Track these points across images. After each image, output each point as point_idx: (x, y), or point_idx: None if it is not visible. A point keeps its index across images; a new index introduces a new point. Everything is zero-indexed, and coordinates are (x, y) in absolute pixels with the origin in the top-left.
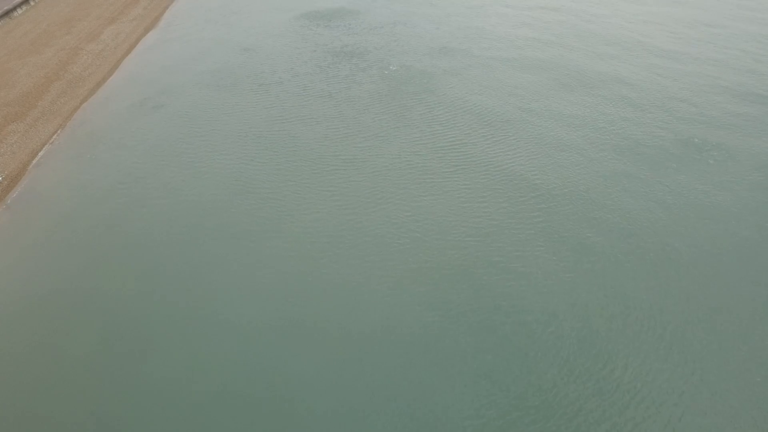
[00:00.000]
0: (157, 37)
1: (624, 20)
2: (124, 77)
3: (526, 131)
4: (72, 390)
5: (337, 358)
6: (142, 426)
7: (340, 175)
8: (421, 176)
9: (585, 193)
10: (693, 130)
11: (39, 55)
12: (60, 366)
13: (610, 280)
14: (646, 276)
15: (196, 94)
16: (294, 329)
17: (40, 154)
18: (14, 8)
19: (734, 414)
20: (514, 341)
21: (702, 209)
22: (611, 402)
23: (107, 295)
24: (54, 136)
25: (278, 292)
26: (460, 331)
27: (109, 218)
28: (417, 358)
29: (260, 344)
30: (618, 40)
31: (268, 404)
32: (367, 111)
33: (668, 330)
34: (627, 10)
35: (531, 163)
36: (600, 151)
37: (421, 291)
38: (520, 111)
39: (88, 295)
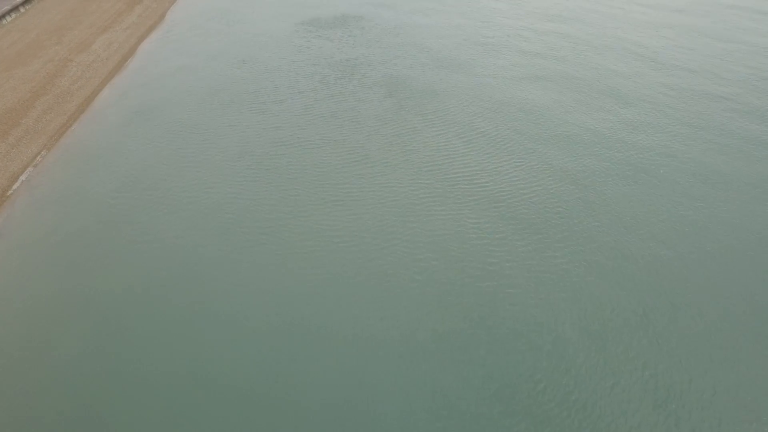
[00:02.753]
0: (151, 47)
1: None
2: (115, 91)
3: (536, 159)
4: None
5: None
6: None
7: (342, 207)
8: (427, 208)
9: (599, 225)
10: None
11: (26, 67)
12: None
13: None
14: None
15: (190, 111)
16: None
17: (22, 177)
18: (2, 16)
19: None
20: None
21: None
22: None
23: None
24: (38, 158)
25: (274, 332)
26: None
27: (97, 252)
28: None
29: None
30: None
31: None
32: (372, 134)
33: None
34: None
35: (542, 195)
36: (613, 181)
37: (434, 337)
38: (530, 135)
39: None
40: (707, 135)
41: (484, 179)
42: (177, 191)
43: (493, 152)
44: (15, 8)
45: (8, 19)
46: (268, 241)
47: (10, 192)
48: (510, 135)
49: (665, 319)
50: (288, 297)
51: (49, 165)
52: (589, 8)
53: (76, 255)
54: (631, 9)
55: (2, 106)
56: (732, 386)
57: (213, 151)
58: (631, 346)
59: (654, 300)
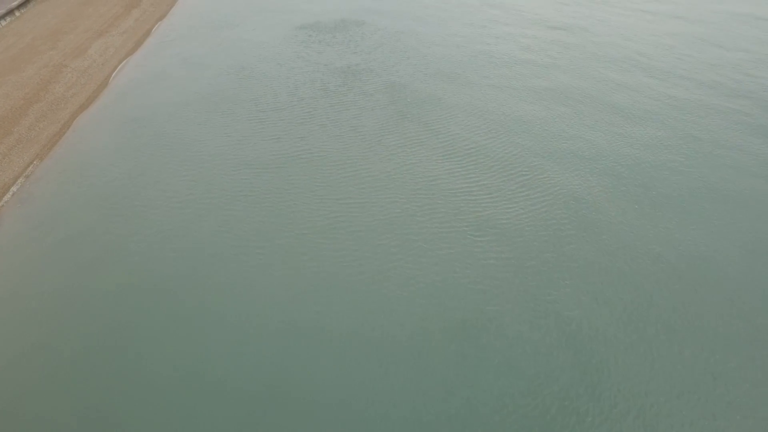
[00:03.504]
0: (147, 52)
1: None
2: (110, 98)
3: (538, 175)
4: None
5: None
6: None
7: (343, 223)
8: (429, 223)
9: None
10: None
11: (20, 72)
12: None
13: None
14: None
15: (186, 120)
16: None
17: (13, 189)
18: None
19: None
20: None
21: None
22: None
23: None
24: (30, 168)
25: (270, 350)
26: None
27: (91, 270)
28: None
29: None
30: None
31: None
32: (374, 145)
33: None
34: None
35: (545, 213)
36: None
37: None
38: (532, 150)
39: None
40: (717, 150)
41: (486, 196)
42: (172, 204)
43: (495, 167)
44: (10, 12)
45: (3, 23)
46: (266, 258)
47: (0, 204)
48: (512, 150)
49: (669, 345)
50: (287, 315)
51: (41, 176)
52: (592, 15)
53: (69, 272)
54: (635, 16)
55: None
56: None
57: (210, 163)
58: (630, 375)
59: (655, 326)
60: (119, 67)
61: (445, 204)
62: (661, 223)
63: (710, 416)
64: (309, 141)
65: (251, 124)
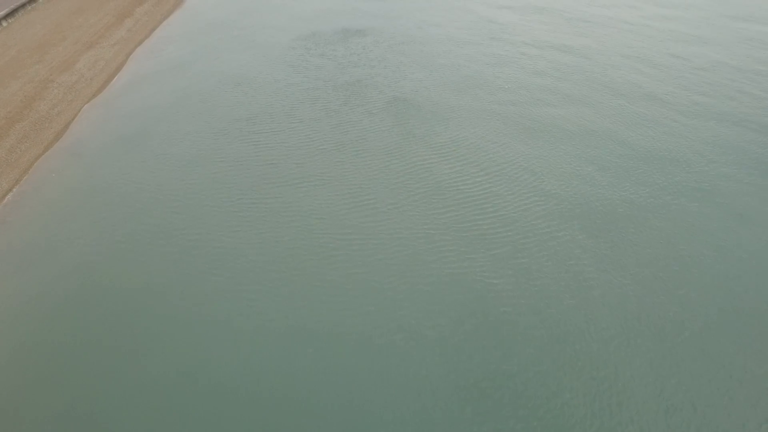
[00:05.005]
0: (139, 65)
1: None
2: (97, 117)
3: (550, 201)
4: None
5: None
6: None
7: (344, 260)
8: (439, 256)
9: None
10: None
11: (3, 88)
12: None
13: None
14: None
15: (178, 141)
16: None
17: None
18: None
19: None
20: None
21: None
22: None
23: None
24: (8, 195)
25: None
26: None
27: (75, 305)
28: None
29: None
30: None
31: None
32: (379, 171)
33: None
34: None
35: (559, 243)
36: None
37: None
38: (540, 174)
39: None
40: (737, 173)
41: (499, 226)
42: (159, 236)
43: (506, 193)
44: None
45: None
46: (260, 299)
47: None
48: (520, 174)
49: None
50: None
51: (21, 202)
52: (603, 24)
53: (49, 308)
54: (644, 31)
55: None
56: None
57: (202, 193)
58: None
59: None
60: (109, 80)
61: (456, 247)
62: (676, 245)
63: None
64: (307, 167)
65: (245, 147)
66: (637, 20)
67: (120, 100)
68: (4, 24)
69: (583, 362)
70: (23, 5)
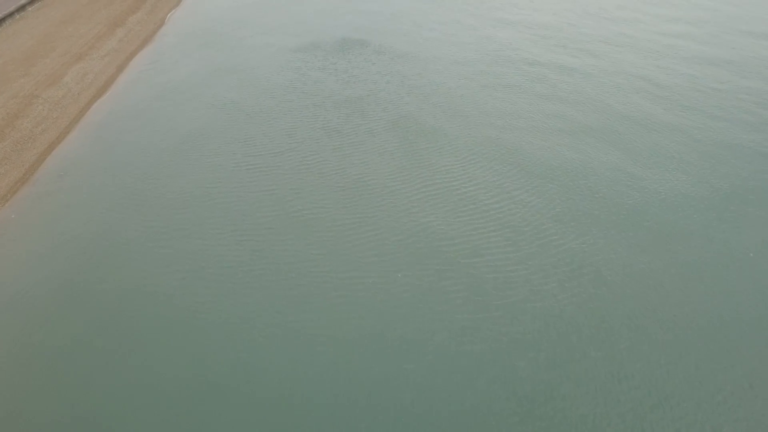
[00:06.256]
0: (129, 79)
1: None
2: (82, 137)
3: (550, 240)
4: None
5: None
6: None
7: (344, 308)
8: (455, 326)
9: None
10: None
11: None
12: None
13: None
14: None
15: (167, 166)
16: None
17: None
18: None
19: None
20: None
21: None
22: None
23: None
24: None
25: None
26: None
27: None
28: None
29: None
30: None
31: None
32: (382, 205)
33: None
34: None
35: (560, 283)
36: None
37: None
38: (544, 212)
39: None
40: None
41: (508, 266)
42: (143, 275)
43: (510, 233)
44: None
45: None
46: (255, 345)
47: None
48: (519, 210)
49: None
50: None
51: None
52: (614, 41)
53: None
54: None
55: None
56: None
57: (190, 226)
58: None
59: None
60: (98, 96)
61: (468, 292)
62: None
63: None
64: (306, 196)
65: (239, 174)
66: (648, 37)
67: (104, 118)
68: None
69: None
70: (11, 14)
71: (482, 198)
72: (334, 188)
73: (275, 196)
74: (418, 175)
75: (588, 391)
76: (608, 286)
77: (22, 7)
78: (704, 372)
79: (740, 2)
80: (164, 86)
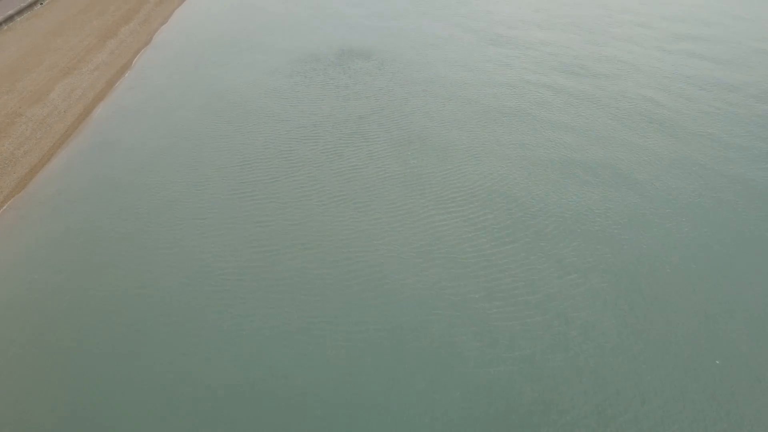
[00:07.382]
0: (120, 94)
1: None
2: (69, 158)
3: (554, 264)
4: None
5: None
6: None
7: (342, 349)
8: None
9: None
10: None
11: None
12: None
13: None
14: None
15: (155, 193)
16: None
17: None
18: None
19: None
20: None
21: None
22: None
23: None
24: None
25: None
26: None
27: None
28: None
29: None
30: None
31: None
32: (385, 236)
33: None
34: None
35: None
36: None
37: None
38: (546, 236)
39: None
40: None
41: (517, 290)
42: (127, 312)
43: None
44: None
45: None
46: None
47: None
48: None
49: None
50: None
51: None
52: (623, 62)
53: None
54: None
55: None
56: None
57: (177, 264)
58: None
59: None
60: (85, 114)
61: (473, 331)
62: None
63: None
64: (305, 228)
65: (233, 203)
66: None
67: (91, 138)
68: None
69: None
70: None
71: (491, 219)
72: (332, 216)
73: (270, 226)
74: (422, 203)
75: None
76: None
77: (10, 18)
78: None
79: (751, 16)
80: (154, 102)
